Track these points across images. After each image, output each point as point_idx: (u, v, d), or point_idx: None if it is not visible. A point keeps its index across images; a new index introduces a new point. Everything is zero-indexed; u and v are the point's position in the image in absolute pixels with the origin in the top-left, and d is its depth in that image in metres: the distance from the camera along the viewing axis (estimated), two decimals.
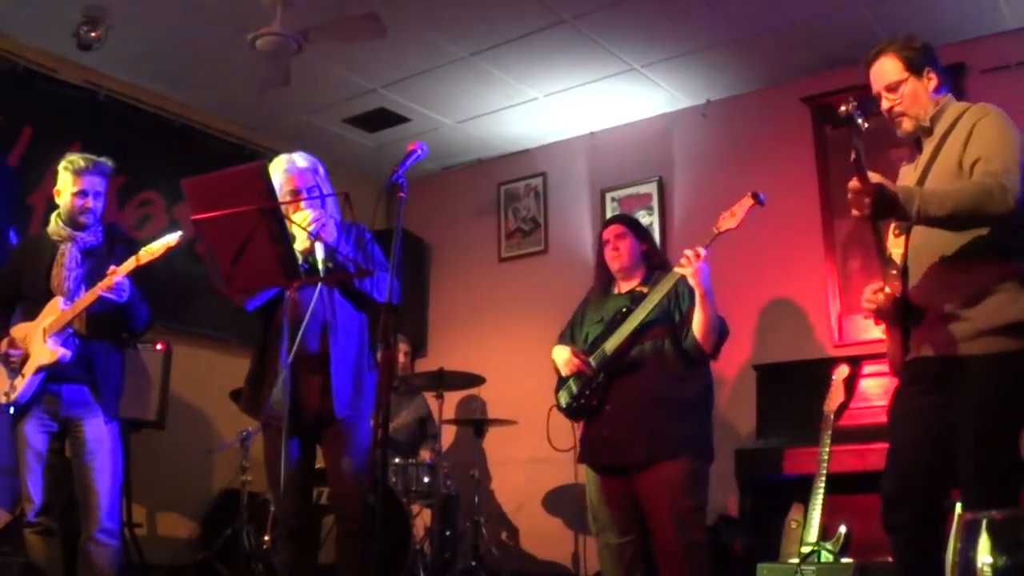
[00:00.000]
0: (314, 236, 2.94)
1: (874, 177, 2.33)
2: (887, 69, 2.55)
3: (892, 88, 2.55)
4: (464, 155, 6.32)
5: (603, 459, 3.44)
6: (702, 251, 3.25)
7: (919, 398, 2.48)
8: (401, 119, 5.74)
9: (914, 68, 2.53)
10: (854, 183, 2.28)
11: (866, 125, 2.30)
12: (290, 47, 4.24)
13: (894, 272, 2.51)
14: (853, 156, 2.26)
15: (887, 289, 2.50)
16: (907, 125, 2.56)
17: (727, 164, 5.33)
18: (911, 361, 2.52)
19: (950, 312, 2.39)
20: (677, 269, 3.28)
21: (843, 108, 2.28)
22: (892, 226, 2.57)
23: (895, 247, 2.56)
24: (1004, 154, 2.34)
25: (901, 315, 2.52)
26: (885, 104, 2.56)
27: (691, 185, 5.50)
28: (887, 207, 2.28)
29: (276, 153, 3.32)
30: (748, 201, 3.31)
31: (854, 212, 2.32)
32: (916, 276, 2.49)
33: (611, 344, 3.40)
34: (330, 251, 3.01)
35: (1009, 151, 2.35)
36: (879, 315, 2.56)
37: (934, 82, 2.54)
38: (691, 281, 3.24)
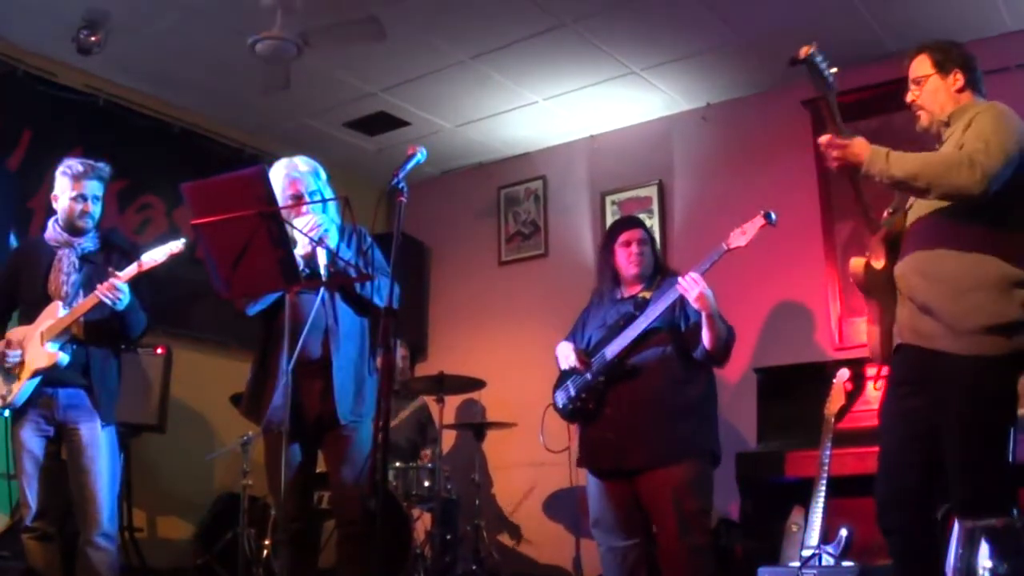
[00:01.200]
0: (316, 241, 2.93)
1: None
2: (917, 64, 2.64)
3: (916, 82, 2.63)
4: (464, 159, 6.31)
5: (604, 463, 3.43)
6: (697, 275, 3.24)
7: (906, 400, 2.49)
8: (401, 123, 5.73)
9: (941, 66, 2.59)
10: (825, 138, 2.41)
11: (835, 71, 2.37)
12: (290, 51, 4.24)
13: (878, 240, 2.56)
14: (824, 108, 2.35)
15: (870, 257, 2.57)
16: (924, 119, 2.63)
17: (727, 167, 5.33)
18: (897, 348, 2.55)
19: (932, 305, 2.41)
20: (681, 283, 3.26)
21: (803, 49, 2.36)
22: (886, 210, 2.67)
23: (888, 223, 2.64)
24: (987, 137, 2.37)
25: (884, 288, 2.55)
26: (909, 96, 2.65)
27: (691, 188, 5.49)
28: (852, 169, 2.43)
29: (276, 157, 3.31)
30: (759, 220, 3.32)
31: (827, 163, 2.45)
32: (906, 258, 2.52)
33: (612, 349, 3.40)
34: (332, 256, 3.00)
35: (995, 136, 2.37)
36: (859, 286, 2.63)
37: (960, 83, 2.58)
38: (696, 306, 3.24)
